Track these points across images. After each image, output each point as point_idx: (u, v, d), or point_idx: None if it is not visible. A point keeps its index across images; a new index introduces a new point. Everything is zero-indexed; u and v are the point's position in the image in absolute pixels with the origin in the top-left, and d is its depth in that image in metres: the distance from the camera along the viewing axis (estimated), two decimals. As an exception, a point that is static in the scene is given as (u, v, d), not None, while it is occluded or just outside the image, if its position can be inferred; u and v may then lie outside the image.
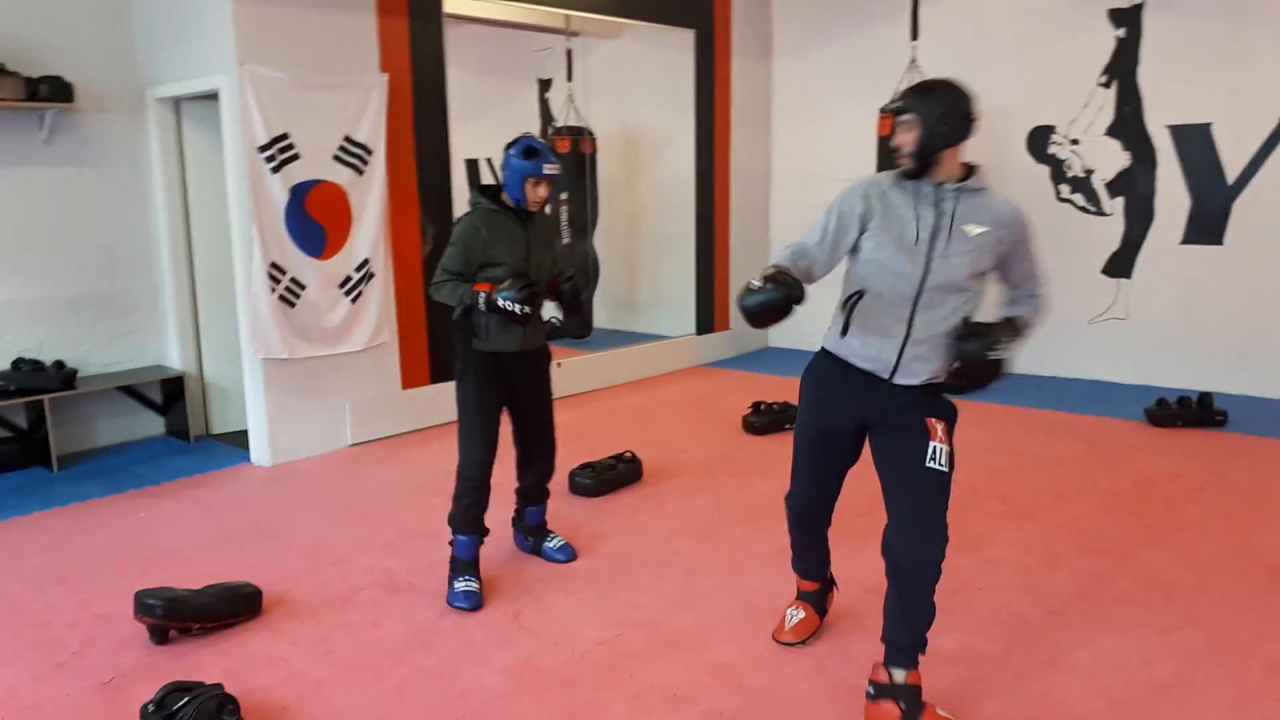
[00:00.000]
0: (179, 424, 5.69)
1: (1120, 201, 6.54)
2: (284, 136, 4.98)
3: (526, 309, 3.29)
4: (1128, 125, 6.45)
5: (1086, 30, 6.50)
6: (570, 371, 6.77)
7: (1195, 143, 6.19)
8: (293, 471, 5.13)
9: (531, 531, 3.91)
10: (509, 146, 3.40)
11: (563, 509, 4.44)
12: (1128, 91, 6.43)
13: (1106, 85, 6.51)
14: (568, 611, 3.41)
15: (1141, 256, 6.49)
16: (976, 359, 2.56)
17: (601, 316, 8.79)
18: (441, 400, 5.94)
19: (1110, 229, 6.60)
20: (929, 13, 6.85)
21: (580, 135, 8.22)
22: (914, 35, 6.70)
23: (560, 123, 8.57)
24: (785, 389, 6.60)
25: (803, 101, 8.01)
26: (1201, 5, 6.05)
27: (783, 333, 8.43)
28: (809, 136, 8.01)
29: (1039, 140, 6.84)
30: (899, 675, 2.66)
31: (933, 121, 2.52)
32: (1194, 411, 5.55)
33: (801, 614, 3.22)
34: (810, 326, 8.15)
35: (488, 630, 3.27)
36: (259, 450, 5.24)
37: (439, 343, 5.91)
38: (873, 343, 2.66)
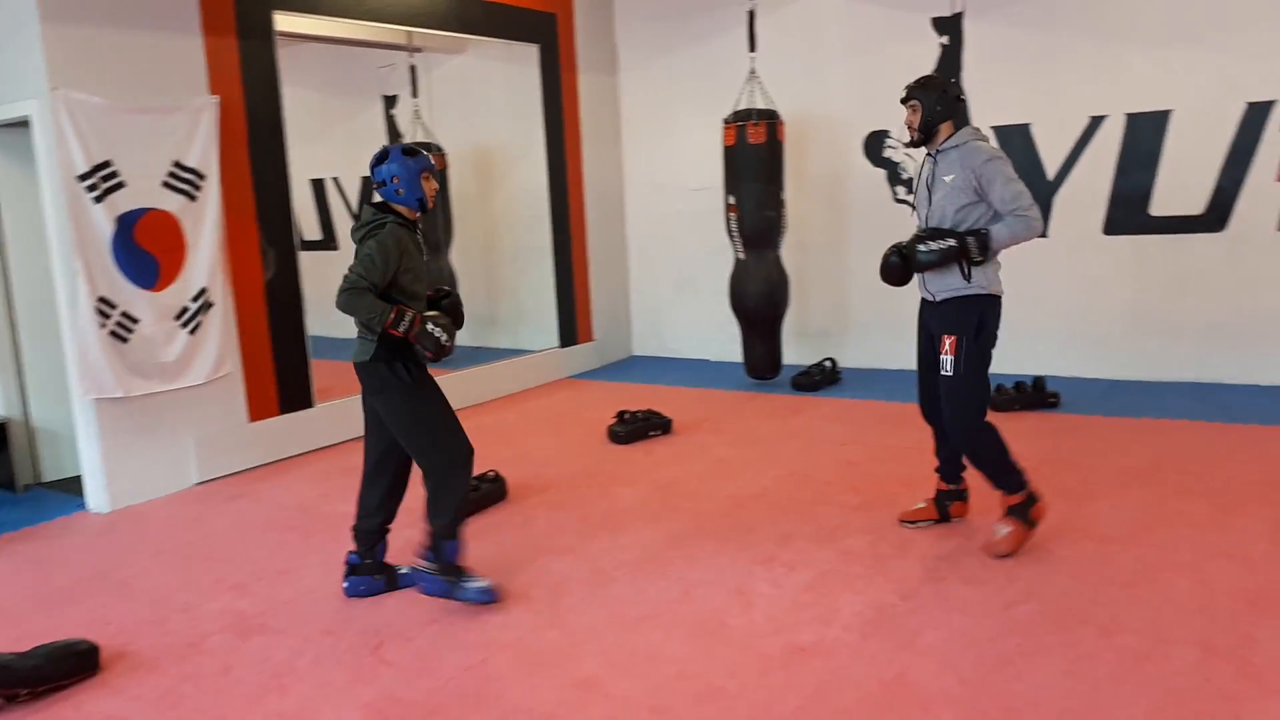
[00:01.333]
0: (4, 473, 5.30)
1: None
2: (106, 164, 4.71)
3: (450, 341, 3.39)
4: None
5: (913, 38, 6.83)
6: (431, 393, 6.64)
7: (1017, 142, 6.57)
8: (133, 516, 4.85)
9: (381, 569, 3.79)
10: (381, 161, 3.35)
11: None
12: (953, 96, 6.77)
13: (934, 90, 6.84)
14: (431, 640, 3.33)
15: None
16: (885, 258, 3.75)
17: (463, 334, 8.54)
18: (295, 430, 5.74)
19: (945, 226, 6.93)
20: (765, 25, 7.05)
21: (429, 151, 8.11)
22: (752, 47, 6.88)
23: (408, 139, 8.44)
24: (650, 396, 6.68)
25: (651, 114, 8.12)
26: (1015, 13, 6.45)
27: (645, 341, 8.52)
28: (659, 148, 8.12)
29: (874, 145, 7.13)
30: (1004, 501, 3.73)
31: (930, 104, 3.61)
32: (1029, 395, 5.88)
33: (922, 504, 4.11)
34: (671, 333, 8.31)
35: (346, 667, 3.16)
36: (95, 496, 4.93)
37: (287, 371, 5.70)
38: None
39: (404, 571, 3.74)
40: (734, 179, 6.76)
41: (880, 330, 7.24)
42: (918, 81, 3.72)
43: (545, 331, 8.01)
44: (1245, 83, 5.78)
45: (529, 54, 7.55)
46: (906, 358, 6.97)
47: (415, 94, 8.17)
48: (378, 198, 3.44)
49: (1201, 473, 4.45)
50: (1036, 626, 3.16)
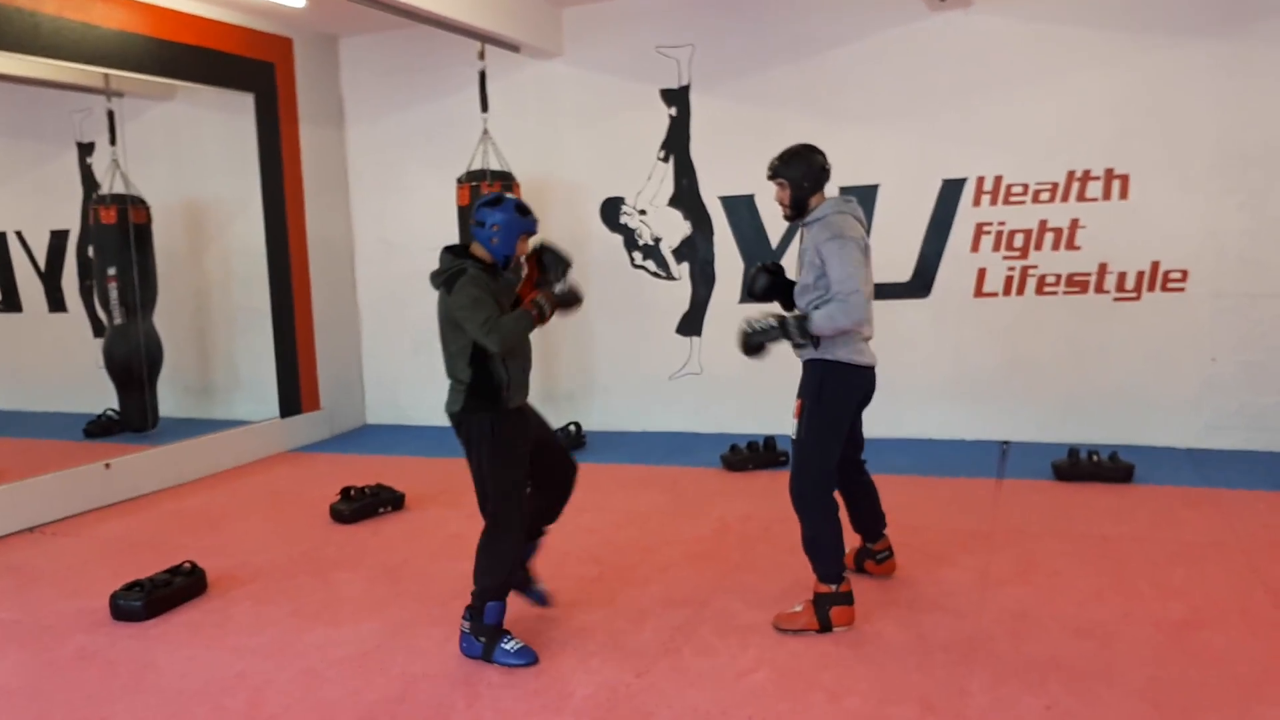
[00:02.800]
0: None
1: (686, 266, 7.03)
2: None
3: (575, 284, 3.54)
4: (686, 196, 6.97)
5: (644, 108, 6.97)
6: (124, 471, 5.87)
7: (742, 212, 6.83)
8: None
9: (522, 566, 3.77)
10: (493, 204, 3.43)
11: (103, 641, 3.74)
12: (684, 165, 6.96)
13: (665, 159, 7.00)
14: (90, 775, 2.79)
15: (708, 316, 7.01)
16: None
17: (169, 404, 7.81)
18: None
19: (680, 292, 7.07)
20: (497, 88, 6.95)
21: (129, 204, 7.32)
22: (484, 107, 6.76)
23: (105, 190, 7.59)
24: (380, 469, 6.24)
25: (380, 170, 7.77)
26: (737, 88, 6.73)
27: (380, 409, 8.04)
28: (390, 206, 7.77)
29: (611, 211, 7.18)
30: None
31: (797, 180, 3.56)
32: (761, 454, 6.02)
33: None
34: (408, 400, 7.90)
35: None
36: None
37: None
38: None
39: (538, 588, 3.83)
40: (468, 240, 6.53)
41: (624, 393, 7.23)
42: (781, 157, 3.61)
43: (265, 401, 7.35)
44: (941, 161, 6.32)
45: (244, 103, 7.02)
46: (650, 420, 7.07)
47: (114, 141, 7.37)
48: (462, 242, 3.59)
49: (917, 526, 4.65)
50: (769, 696, 3.09)
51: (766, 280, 3.84)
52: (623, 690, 3.18)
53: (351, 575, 4.40)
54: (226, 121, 7.68)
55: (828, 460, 3.61)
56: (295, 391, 7.32)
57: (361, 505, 5.26)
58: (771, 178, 3.63)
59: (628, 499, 5.41)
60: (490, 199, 3.47)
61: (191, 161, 7.99)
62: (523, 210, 3.45)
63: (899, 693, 3.06)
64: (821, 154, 3.62)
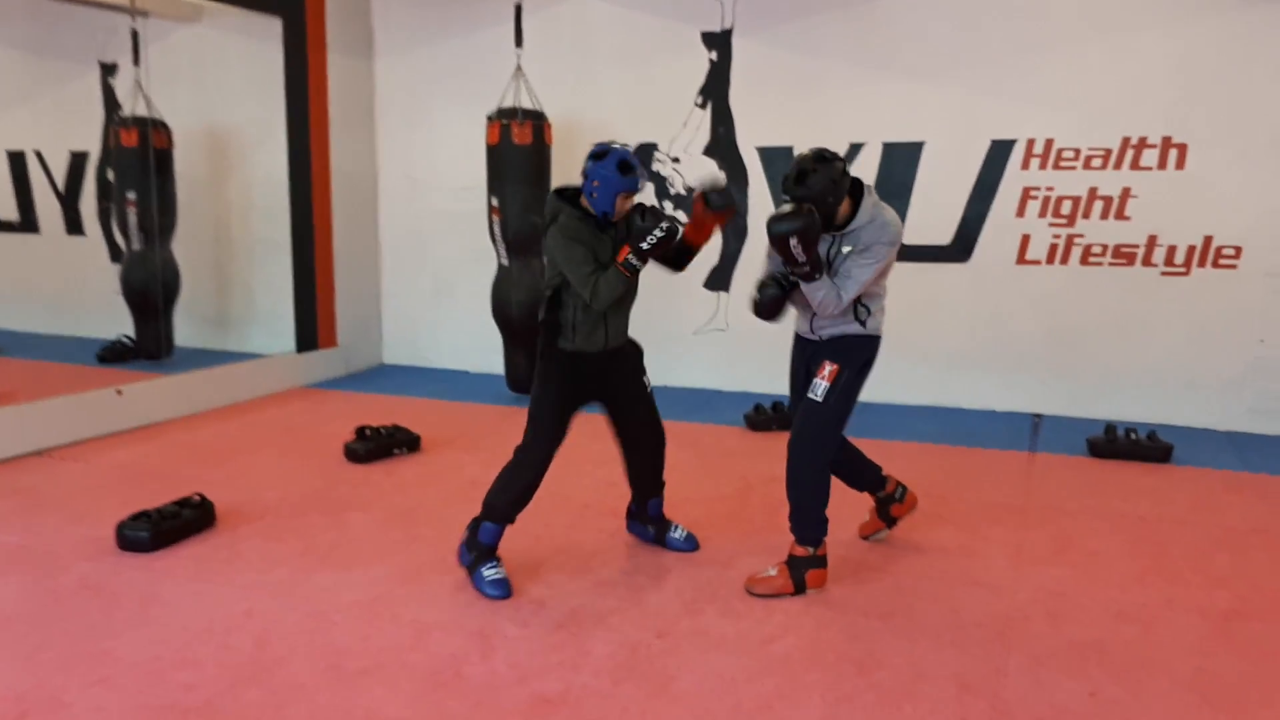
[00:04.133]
0: None
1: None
2: None
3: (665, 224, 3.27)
4: (722, 145, 6.74)
5: (684, 51, 6.71)
6: (136, 399, 5.77)
7: (780, 165, 6.58)
8: None
9: (653, 522, 3.90)
10: (598, 157, 3.30)
11: (107, 570, 3.64)
12: (721, 113, 6.72)
13: (703, 106, 6.76)
14: (94, 708, 2.68)
15: (738, 270, 6.81)
16: None
17: (185, 333, 7.71)
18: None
19: (710, 244, 6.85)
20: (532, 23, 6.70)
21: (151, 127, 7.16)
22: (518, 42, 6.52)
23: (127, 112, 7.42)
24: (397, 410, 6.12)
25: (409, 104, 7.55)
26: (782, 34, 6.47)
27: (398, 349, 7.91)
28: (417, 141, 7.57)
29: (642, 157, 6.95)
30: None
31: (820, 197, 3.22)
32: (785, 415, 5.85)
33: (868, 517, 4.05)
34: (427, 342, 7.76)
35: None
36: None
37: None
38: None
39: (676, 534, 3.90)
40: (497, 180, 6.35)
41: (647, 346, 7.01)
42: (795, 177, 3.24)
43: (281, 334, 7.23)
44: (990, 121, 6.06)
45: (272, 28, 6.81)
46: (673, 375, 6.90)
47: (137, 62, 7.18)
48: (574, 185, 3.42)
49: (947, 497, 4.50)
50: (795, 664, 2.96)
51: (776, 292, 3.44)
52: (643, 650, 3.05)
53: (364, 517, 4.29)
54: (253, 47, 7.49)
55: (840, 431, 3.54)
56: (312, 327, 7.19)
57: (377, 445, 5.14)
58: (794, 200, 3.27)
59: (648, 453, 5.27)
60: (597, 150, 3.34)
61: (216, 87, 7.81)
62: (625, 168, 3.28)
63: (933, 669, 2.92)
64: (840, 160, 3.28)
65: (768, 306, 3.46)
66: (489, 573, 3.44)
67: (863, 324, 3.44)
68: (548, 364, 3.48)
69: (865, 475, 3.87)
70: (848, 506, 4.05)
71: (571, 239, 3.29)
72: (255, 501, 4.44)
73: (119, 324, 7.49)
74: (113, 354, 7.37)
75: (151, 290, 7.25)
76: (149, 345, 7.30)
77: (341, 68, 7.25)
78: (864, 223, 3.30)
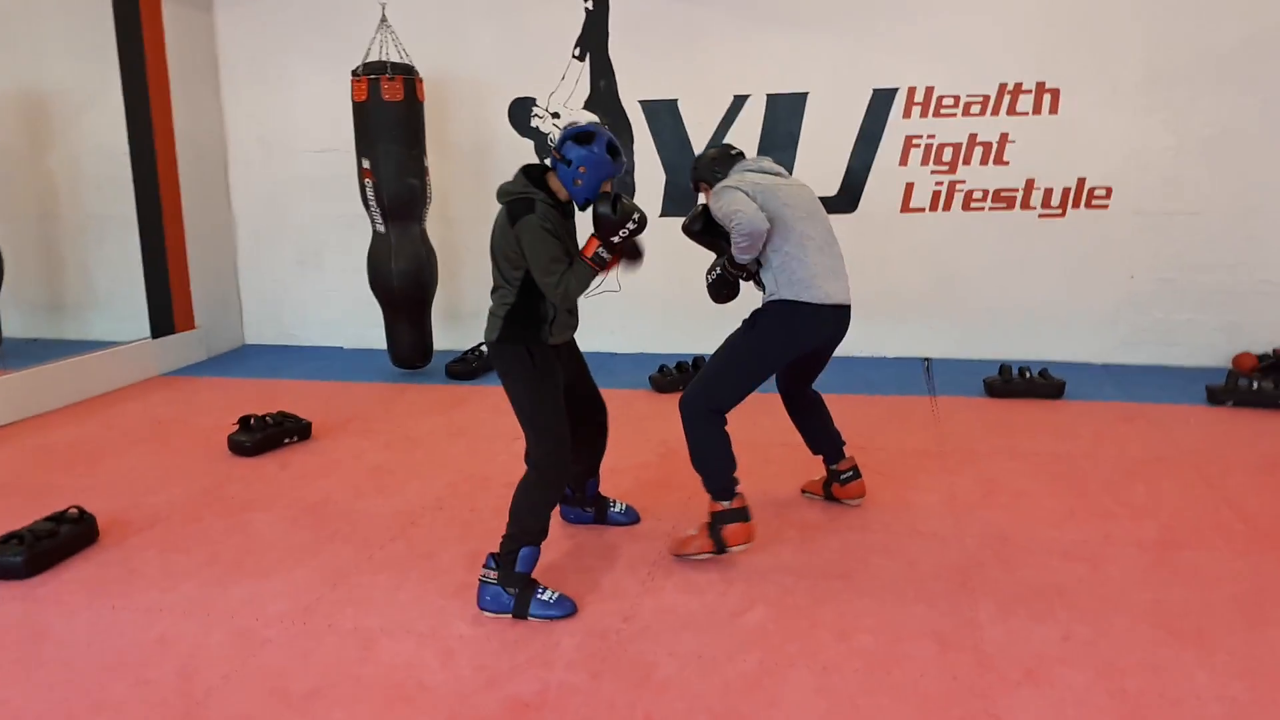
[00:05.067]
0: None
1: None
2: None
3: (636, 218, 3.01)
4: (604, 99, 6.51)
5: (557, 1, 6.42)
6: (-28, 403, 5.10)
7: (665, 118, 6.43)
8: None
9: (591, 502, 3.75)
10: (582, 139, 3.01)
11: (-25, 606, 3.17)
12: (601, 65, 6.48)
13: (580, 58, 6.50)
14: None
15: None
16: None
17: (13, 323, 6.91)
18: None
19: (594, 202, 6.65)
20: (397, -32, 6.25)
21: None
22: (382, -9, 6.07)
23: (-78, 75, 6.51)
24: (272, 394, 5.69)
25: (258, 61, 6.94)
26: (659, -17, 6.27)
27: (261, 328, 7.35)
28: (270, 101, 6.97)
29: (520, 112, 6.64)
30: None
31: (711, 177, 3.54)
32: (692, 375, 5.77)
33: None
34: (293, 318, 7.24)
35: None
36: None
37: None
38: None
39: (617, 509, 3.77)
40: (367, 141, 5.92)
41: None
42: (694, 165, 3.64)
43: (128, 319, 6.57)
44: (871, 70, 6.08)
45: (92, -26, 6.09)
46: (583, 341, 6.65)
47: (-72, 15, 6.29)
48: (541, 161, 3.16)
49: (866, 446, 4.52)
50: (772, 636, 2.88)
51: (700, 224, 3.62)
52: (613, 636, 2.90)
53: (267, 515, 3.93)
54: (68, -1, 6.69)
55: (731, 390, 3.41)
56: (167, 309, 6.57)
57: (265, 436, 4.73)
58: (695, 188, 3.65)
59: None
60: (579, 131, 3.03)
61: (26, 46, 6.94)
62: (614, 151, 3.04)
63: (908, 627, 2.90)
64: (728, 146, 3.65)
65: (699, 229, 3.62)
66: (545, 596, 3.04)
67: (760, 287, 3.54)
68: (530, 361, 3.10)
69: (822, 437, 3.84)
70: (794, 465, 4.01)
71: (549, 233, 2.98)
72: (139, 508, 4.00)
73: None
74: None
75: (-31, 277, 6.44)
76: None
77: (179, 18, 6.56)
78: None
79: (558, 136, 3.13)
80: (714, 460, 3.40)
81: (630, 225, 2.98)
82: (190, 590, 3.28)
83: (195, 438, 4.98)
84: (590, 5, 6.42)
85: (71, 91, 6.91)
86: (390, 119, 5.88)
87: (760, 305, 3.48)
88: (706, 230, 3.60)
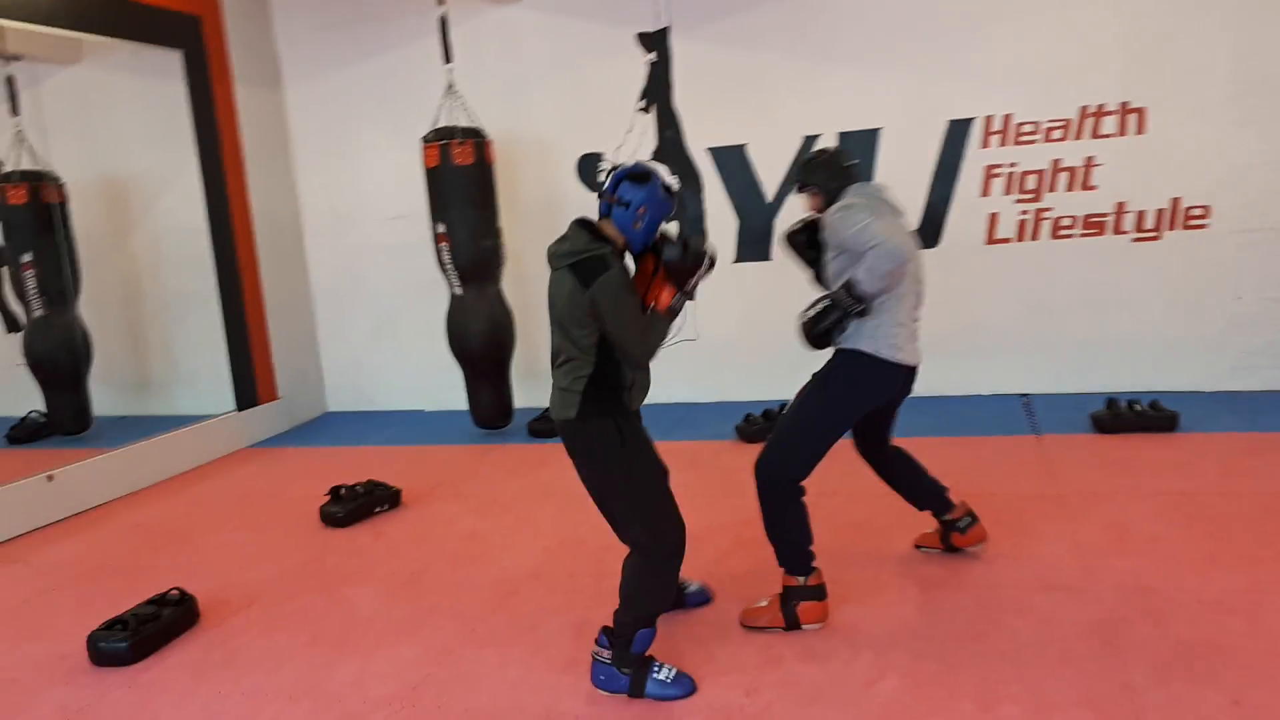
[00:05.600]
0: None
1: (674, 225, 6.53)
2: None
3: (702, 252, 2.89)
4: (670, 149, 6.46)
5: (620, 54, 6.41)
6: (68, 482, 5.16)
7: (734, 164, 6.35)
8: None
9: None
10: (638, 178, 2.84)
11: (87, 693, 3.14)
12: (666, 115, 6.44)
13: (646, 110, 6.47)
14: None
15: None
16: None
17: (102, 402, 7.02)
18: None
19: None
20: (460, 35, 6.29)
21: (41, 182, 6.48)
22: (447, 58, 6.11)
23: (10, 166, 6.71)
24: (362, 462, 5.65)
25: (327, 133, 7.05)
26: (721, 30, 6.22)
27: (340, 396, 7.38)
28: (341, 172, 7.06)
29: (588, 168, 6.62)
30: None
31: (825, 184, 3.31)
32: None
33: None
34: (371, 384, 7.26)
35: None
36: None
37: None
38: None
39: (692, 589, 3.46)
40: (441, 205, 5.94)
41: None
42: (804, 165, 3.40)
43: (213, 393, 6.63)
44: (944, 100, 5.94)
45: (169, 63, 6.23)
46: (660, 392, 6.55)
47: (15, 111, 6.49)
48: (594, 214, 2.92)
49: (975, 493, 4.29)
50: (911, 710, 2.69)
51: (806, 235, 3.39)
52: (738, 714, 2.73)
53: (366, 589, 3.85)
54: (144, 86, 6.87)
55: (808, 456, 3.23)
56: (251, 381, 6.63)
57: (356, 506, 4.69)
58: (800, 189, 3.40)
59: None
60: (634, 171, 2.86)
61: (106, 133, 7.14)
62: (669, 191, 2.90)
63: (1057, 695, 2.68)
64: (844, 153, 3.43)
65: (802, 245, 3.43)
66: (662, 674, 2.87)
67: (864, 313, 3.25)
68: (619, 438, 2.87)
69: (921, 490, 3.63)
70: (907, 517, 3.82)
71: (629, 291, 2.79)
72: (236, 586, 3.96)
73: (26, 399, 6.77)
74: (25, 433, 6.64)
75: (61, 359, 6.56)
76: (64, 419, 6.60)
77: (250, 100, 6.70)
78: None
79: (607, 182, 2.89)
80: (789, 533, 3.24)
81: (704, 270, 2.87)
82: (294, 673, 3.20)
83: (286, 510, 4.95)
84: (653, 57, 6.40)
85: (150, 175, 7.07)
86: (462, 182, 5.89)
87: (837, 355, 3.29)
88: (812, 244, 3.36)
